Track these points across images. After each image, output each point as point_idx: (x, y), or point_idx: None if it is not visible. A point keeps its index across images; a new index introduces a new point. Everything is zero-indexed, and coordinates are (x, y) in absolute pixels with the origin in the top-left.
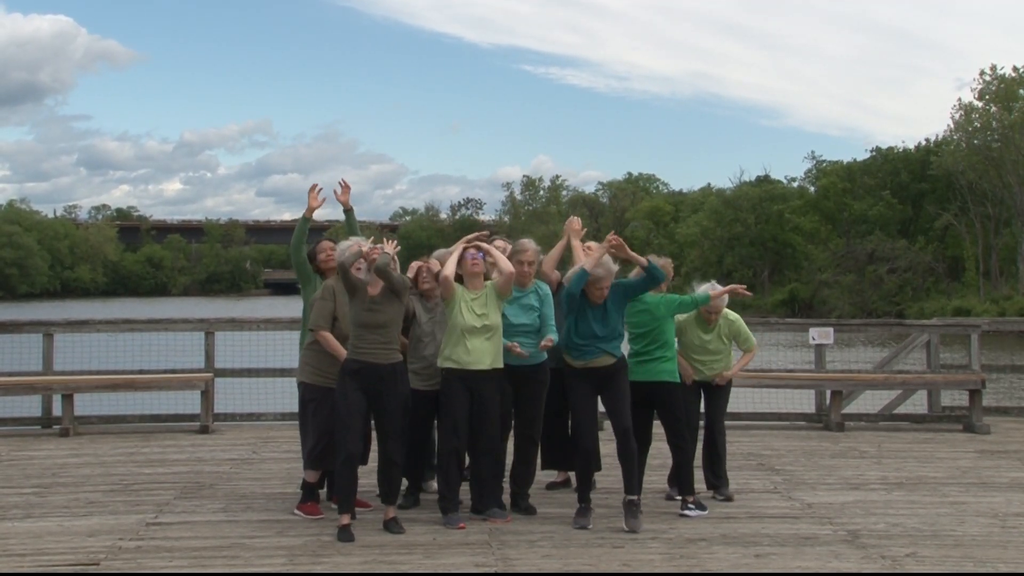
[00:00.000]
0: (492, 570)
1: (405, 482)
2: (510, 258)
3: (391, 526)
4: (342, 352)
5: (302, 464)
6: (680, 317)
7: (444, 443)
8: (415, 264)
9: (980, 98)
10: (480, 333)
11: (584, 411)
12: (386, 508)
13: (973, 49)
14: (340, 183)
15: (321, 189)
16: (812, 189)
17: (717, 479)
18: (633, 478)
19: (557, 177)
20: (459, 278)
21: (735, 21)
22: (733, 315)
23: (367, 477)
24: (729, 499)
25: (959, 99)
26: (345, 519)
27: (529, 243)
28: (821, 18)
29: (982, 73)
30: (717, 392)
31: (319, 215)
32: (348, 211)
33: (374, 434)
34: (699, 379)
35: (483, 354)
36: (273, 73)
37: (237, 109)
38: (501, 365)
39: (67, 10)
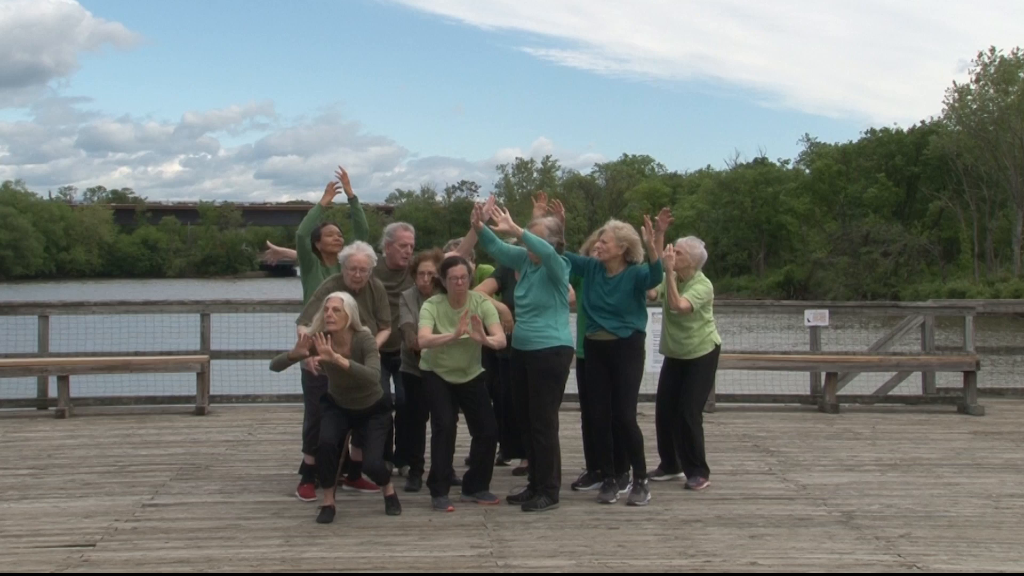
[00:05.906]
0: (488, 551)
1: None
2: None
3: (390, 504)
4: None
5: (300, 446)
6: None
7: (433, 428)
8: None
9: (977, 81)
10: (460, 345)
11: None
12: (383, 487)
13: (975, 31)
14: (338, 172)
15: (339, 188)
16: (807, 171)
17: (691, 466)
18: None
19: (548, 158)
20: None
21: (736, 3)
22: (702, 277)
23: None
24: (698, 487)
25: (953, 82)
26: (328, 500)
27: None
28: None
29: (980, 55)
30: (692, 370)
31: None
32: (352, 199)
33: None
34: (677, 355)
35: (462, 362)
36: (277, 55)
37: (240, 91)
38: (480, 368)
39: None
